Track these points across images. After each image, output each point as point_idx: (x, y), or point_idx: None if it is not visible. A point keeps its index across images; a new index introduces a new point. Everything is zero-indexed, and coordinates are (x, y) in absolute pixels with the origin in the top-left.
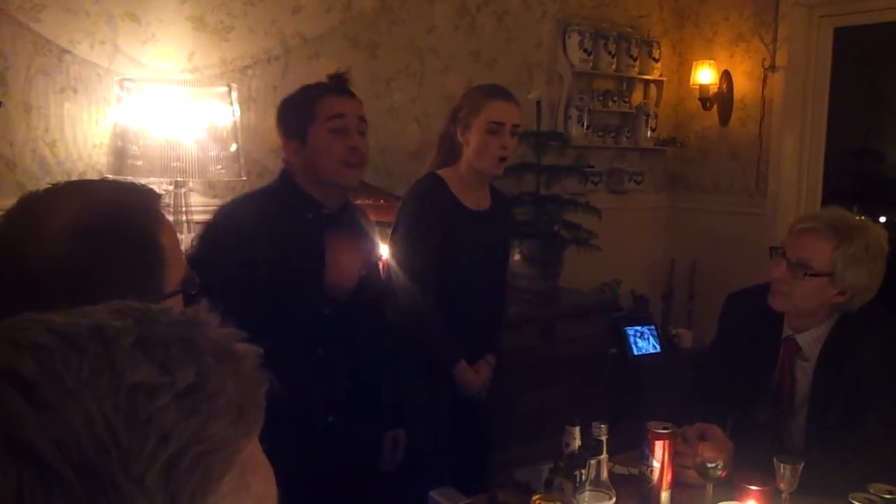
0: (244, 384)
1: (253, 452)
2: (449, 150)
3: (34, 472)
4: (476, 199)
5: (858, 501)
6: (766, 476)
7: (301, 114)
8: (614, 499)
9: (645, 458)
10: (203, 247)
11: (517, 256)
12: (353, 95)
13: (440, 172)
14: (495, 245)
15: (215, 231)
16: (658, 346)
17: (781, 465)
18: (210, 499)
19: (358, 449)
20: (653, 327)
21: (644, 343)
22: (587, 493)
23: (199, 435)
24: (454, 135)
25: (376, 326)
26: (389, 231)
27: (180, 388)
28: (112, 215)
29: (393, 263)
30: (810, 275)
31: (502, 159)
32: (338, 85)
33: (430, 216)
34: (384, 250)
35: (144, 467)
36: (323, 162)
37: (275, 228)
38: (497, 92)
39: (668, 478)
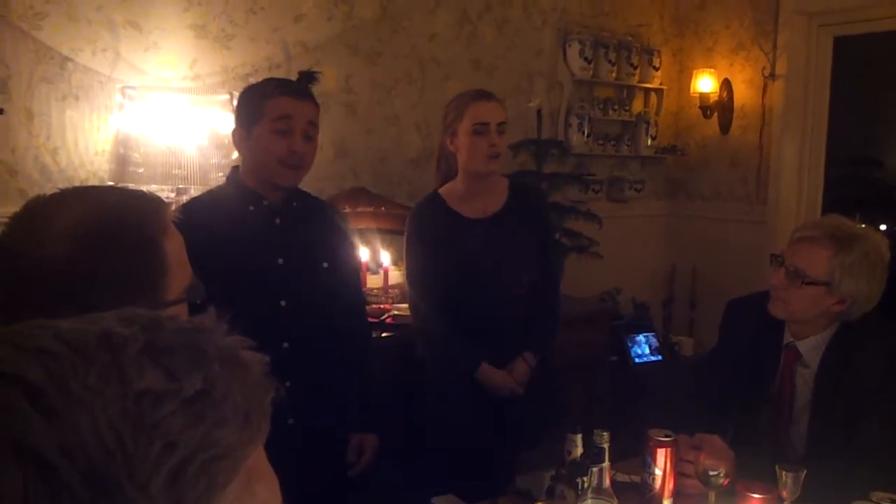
0: (250, 391)
1: (258, 460)
2: (448, 165)
3: (40, 476)
4: (481, 207)
5: None
6: (768, 484)
7: (251, 109)
8: None
9: (647, 465)
10: None
11: None
12: (309, 98)
13: (440, 190)
14: (513, 243)
15: None
16: (659, 354)
17: (783, 473)
18: (220, 500)
19: (320, 452)
20: (654, 335)
21: (645, 351)
22: (589, 501)
23: (205, 442)
24: (447, 147)
25: (341, 324)
26: (389, 237)
27: (187, 394)
28: (112, 221)
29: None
30: (807, 283)
31: (494, 156)
32: (298, 85)
33: (421, 231)
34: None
35: (150, 474)
36: (261, 159)
37: (220, 224)
38: (477, 94)
39: (669, 485)
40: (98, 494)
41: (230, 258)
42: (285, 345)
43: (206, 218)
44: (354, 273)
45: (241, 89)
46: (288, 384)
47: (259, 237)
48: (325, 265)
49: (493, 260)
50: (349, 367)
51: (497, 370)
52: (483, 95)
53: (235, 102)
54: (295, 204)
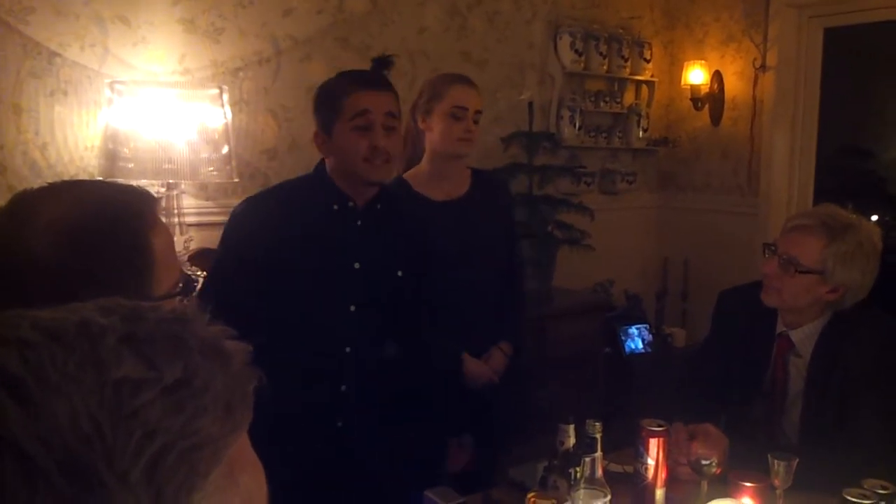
0: (232, 381)
1: (242, 450)
2: (413, 147)
3: (17, 467)
4: (446, 189)
5: (853, 497)
6: (760, 473)
7: (328, 108)
8: (609, 497)
9: (639, 455)
10: (229, 232)
11: None
12: (385, 87)
13: (405, 175)
14: (479, 230)
15: (242, 217)
16: (651, 346)
17: (776, 461)
18: (196, 495)
19: (362, 457)
20: (646, 327)
21: (637, 342)
22: (582, 491)
23: (185, 431)
24: (415, 127)
25: (409, 332)
26: None
27: (167, 383)
28: (99, 215)
29: None
30: (800, 272)
31: (467, 140)
32: (372, 76)
33: None
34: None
35: (129, 463)
36: (346, 158)
37: (300, 218)
38: (459, 78)
39: (662, 475)
40: (76, 483)
41: (306, 255)
42: (347, 349)
43: (286, 209)
44: (426, 287)
45: (229, 83)
46: (343, 388)
47: (338, 238)
48: (399, 273)
49: (462, 241)
50: (411, 378)
51: (473, 359)
52: (465, 80)
53: (313, 106)
54: (379, 206)
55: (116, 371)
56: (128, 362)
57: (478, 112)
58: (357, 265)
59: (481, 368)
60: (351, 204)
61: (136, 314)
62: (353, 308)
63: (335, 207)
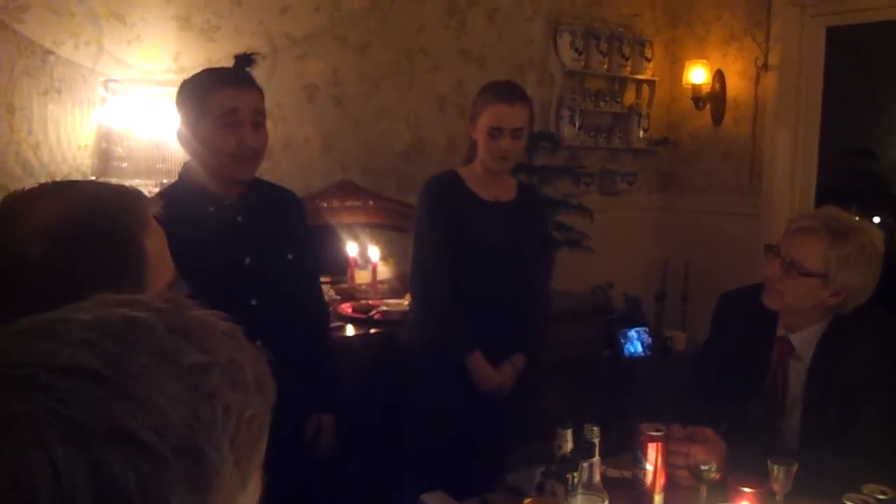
0: (250, 356)
1: None
2: (473, 144)
3: (142, 457)
4: (495, 192)
5: (852, 502)
6: (759, 478)
7: (194, 106)
8: (607, 502)
9: (638, 460)
10: None
11: None
12: (251, 84)
13: (459, 169)
14: (521, 238)
15: None
16: (651, 349)
17: (775, 466)
18: (256, 457)
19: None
20: (646, 329)
21: (637, 345)
22: (579, 497)
23: (245, 404)
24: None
25: (305, 314)
26: (378, 232)
27: (223, 363)
28: (91, 217)
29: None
30: (803, 274)
31: (503, 159)
32: (237, 73)
33: (439, 208)
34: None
35: (220, 437)
36: (212, 156)
37: (181, 226)
38: (501, 95)
39: (661, 481)
40: (191, 465)
41: (195, 261)
42: (258, 343)
43: (164, 220)
44: (313, 260)
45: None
46: None
47: (223, 238)
48: (290, 256)
49: (507, 245)
50: (311, 354)
51: (486, 364)
52: (505, 98)
53: (175, 101)
54: (252, 199)
55: (184, 358)
56: (186, 348)
57: (517, 129)
58: (248, 260)
59: (492, 374)
60: (228, 203)
61: (154, 305)
62: (254, 302)
63: (211, 209)
